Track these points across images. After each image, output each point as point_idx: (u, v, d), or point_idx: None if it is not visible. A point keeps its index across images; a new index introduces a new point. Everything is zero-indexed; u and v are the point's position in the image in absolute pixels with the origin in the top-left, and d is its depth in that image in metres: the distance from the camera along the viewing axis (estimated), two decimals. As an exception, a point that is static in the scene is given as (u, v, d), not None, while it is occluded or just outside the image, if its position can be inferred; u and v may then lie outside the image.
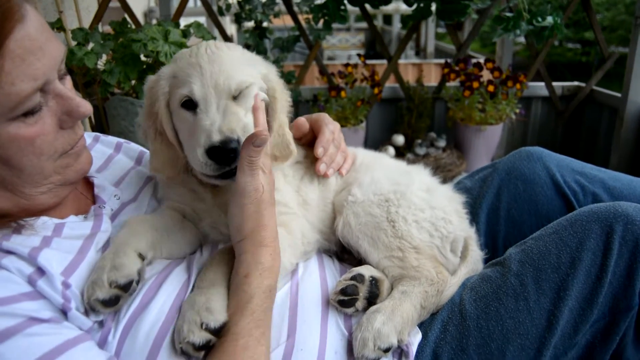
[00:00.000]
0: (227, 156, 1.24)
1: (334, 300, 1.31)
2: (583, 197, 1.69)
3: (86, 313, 1.11)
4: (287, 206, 1.44)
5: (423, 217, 1.49)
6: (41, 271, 1.08)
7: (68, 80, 1.20)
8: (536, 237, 1.42)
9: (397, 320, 1.28)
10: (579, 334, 1.30)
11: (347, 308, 1.31)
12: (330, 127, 1.53)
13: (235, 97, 1.30)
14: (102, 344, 1.10)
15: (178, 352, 1.10)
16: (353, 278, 1.34)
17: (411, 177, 1.58)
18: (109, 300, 1.10)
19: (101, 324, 1.12)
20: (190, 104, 1.29)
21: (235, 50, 1.38)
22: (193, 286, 1.23)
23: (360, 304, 1.32)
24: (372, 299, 1.35)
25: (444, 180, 1.75)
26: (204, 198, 1.41)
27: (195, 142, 1.26)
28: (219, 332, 1.11)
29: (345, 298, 1.31)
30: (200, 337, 1.08)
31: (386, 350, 1.24)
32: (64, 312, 1.08)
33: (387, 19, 11.93)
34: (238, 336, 1.09)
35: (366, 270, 1.39)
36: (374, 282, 1.37)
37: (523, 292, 1.31)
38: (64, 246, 1.15)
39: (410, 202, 1.49)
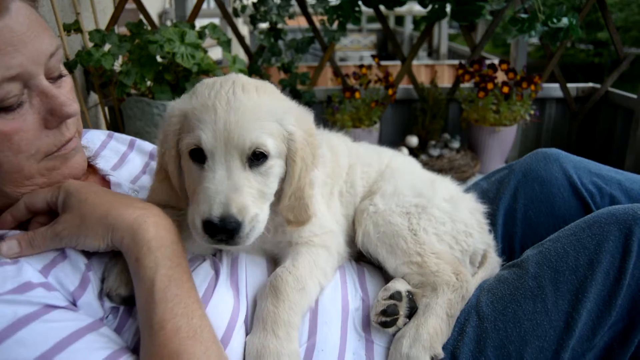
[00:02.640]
0: (222, 233, 1.11)
1: (375, 322, 1.31)
2: (600, 199, 1.68)
3: (100, 295, 1.14)
4: (324, 226, 1.42)
5: (444, 230, 1.49)
6: (62, 256, 1.12)
7: (66, 81, 1.19)
8: (554, 239, 1.42)
9: (424, 338, 1.27)
10: (597, 337, 1.29)
11: (389, 328, 1.31)
12: None
13: (251, 159, 1.16)
14: (117, 332, 1.13)
15: None
16: (392, 297, 1.34)
17: (434, 188, 1.57)
18: (129, 298, 1.13)
19: (115, 313, 1.15)
20: (198, 155, 1.15)
21: (263, 95, 1.20)
22: (216, 282, 1.25)
23: (401, 322, 1.32)
24: (411, 314, 1.35)
25: (458, 181, 1.74)
26: None
27: (195, 203, 1.14)
28: None
29: (388, 319, 1.30)
30: None
31: None
32: (74, 303, 1.10)
33: (399, 20, 11.91)
34: (163, 323, 1.02)
35: (401, 285, 1.38)
36: (411, 297, 1.36)
37: (541, 294, 1.31)
38: None
39: (431, 216, 1.48)
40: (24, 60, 1.05)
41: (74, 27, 3.09)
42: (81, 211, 1.10)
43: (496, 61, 3.92)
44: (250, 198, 1.14)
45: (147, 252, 1.08)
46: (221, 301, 1.22)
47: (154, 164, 1.61)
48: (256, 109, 1.16)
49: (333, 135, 1.65)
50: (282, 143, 1.20)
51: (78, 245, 1.12)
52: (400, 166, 1.65)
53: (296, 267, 1.30)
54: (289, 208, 1.28)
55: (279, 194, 1.26)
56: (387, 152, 1.72)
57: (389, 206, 1.49)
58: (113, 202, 1.13)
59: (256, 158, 1.16)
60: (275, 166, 1.20)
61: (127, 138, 1.67)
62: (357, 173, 1.58)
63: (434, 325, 1.30)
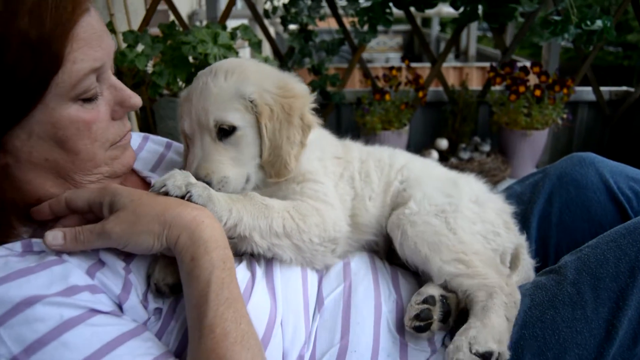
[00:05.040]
0: None
1: (409, 327, 1.29)
2: (637, 204, 1.65)
3: (145, 296, 1.15)
4: (326, 195, 1.43)
5: (476, 229, 1.47)
6: (101, 262, 1.13)
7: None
8: (593, 245, 1.39)
9: (491, 330, 1.23)
10: (638, 345, 1.26)
11: (423, 332, 1.29)
12: None
13: (221, 134, 1.36)
14: (159, 335, 1.14)
15: None
16: (425, 301, 1.31)
17: (460, 190, 1.55)
18: (176, 286, 1.15)
19: (158, 315, 1.16)
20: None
21: (230, 78, 1.37)
22: (253, 284, 1.26)
23: (435, 326, 1.30)
24: (445, 319, 1.33)
25: (488, 185, 1.72)
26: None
27: None
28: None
29: (422, 324, 1.28)
30: None
31: (483, 356, 1.19)
32: (120, 306, 1.11)
33: (425, 21, 11.82)
34: (213, 327, 1.03)
35: (434, 290, 1.36)
36: (445, 300, 1.34)
37: (580, 300, 1.29)
38: None
39: (463, 215, 1.47)
40: (103, 54, 1.13)
41: (108, 28, 3.12)
42: (136, 209, 1.10)
43: (526, 63, 3.87)
44: (220, 164, 1.35)
45: (204, 252, 1.08)
46: (259, 303, 1.23)
47: None
48: (220, 93, 1.35)
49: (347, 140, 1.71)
50: (249, 113, 1.37)
51: (128, 245, 1.11)
52: (421, 171, 1.62)
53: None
54: (269, 163, 1.42)
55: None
56: (400, 153, 1.70)
57: (423, 206, 1.47)
58: (169, 202, 1.14)
59: (226, 132, 1.36)
60: (244, 135, 1.37)
61: (163, 140, 1.69)
62: (370, 165, 1.59)
63: (499, 323, 1.25)
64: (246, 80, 1.38)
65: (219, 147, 1.36)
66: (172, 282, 1.15)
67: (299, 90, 1.45)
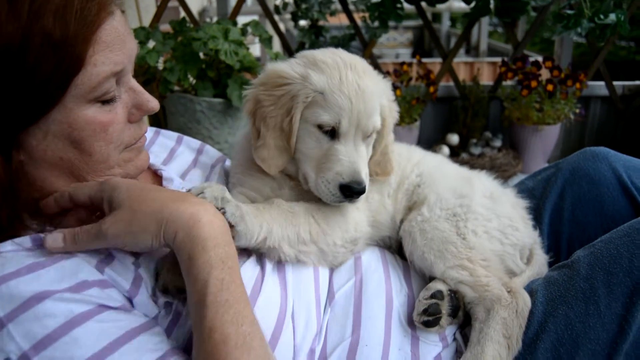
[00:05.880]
0: (357, 194, 1.34)
1: (418, 322, 1.30)
2: (650, 199, 1.64)
3: (154, 291, 1.16)
4: None
5: (492, 226, 1.47)
6: (111, 257, 1.13)
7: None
8: (606, 240, 1.38)
9: None
10: (652, 341, 1.26)
11: (432, 327, 1.30)
12: None
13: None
14: (171, 329, 1.15)
15: None
16: (433, 296, 1.33)
17: (473, 186, 1.56)
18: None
19: (169, 308, 1.16)
20: (329, 129, 1.36)
21: (370, 79, 1.40)
22: (263, 277, 1.26)
23: (444, 321, 1.31)
24: (455, 313, 1.34)
25: (500, 181, 1.72)
26: (284, 187, 1.44)
27: (326, 167, 1.36)
28: None
29: (430, 318, 1.29)
30: None
31: None
32: (130, 300, 1.12)
33: (435, 17, 11.75)
34: (212, 331, 1.00)
35: (442, 285, 1.36)
36: (453, 295, 1.35)
37: (593, 296, 1.28)
38: None
39: (477, 215, 1.47)
40: (125, 57, 1.14)
41: (119, 25, 3.13)
42: (133, 206, 1.07)
43: (538, 58, 3.83)
44: (367, 166, 1.42)
45: (202, 251, 1.05)
46: (269, 297, 1.23)
47: (202, 159, 1.63)
48: (371, 95, 1.37)
49: None
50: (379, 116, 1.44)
51: (126, 245, 1.10)
52: (434, 169, 1.63)
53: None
54: (376, 162, 1.53)
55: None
56: (415, 149, 1.74)
57: (434, 212, 1.48)
58: (167, 197, 1.11)
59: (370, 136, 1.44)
60: (374, 138, 1.47)
61: (174, 134, 1.70)
62: None
63: (492, 353, 1.26)
64: (380, 86, 1.44)
65: (364, 147, 1.42)
66: (182, 284, 1.13)
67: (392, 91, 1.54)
